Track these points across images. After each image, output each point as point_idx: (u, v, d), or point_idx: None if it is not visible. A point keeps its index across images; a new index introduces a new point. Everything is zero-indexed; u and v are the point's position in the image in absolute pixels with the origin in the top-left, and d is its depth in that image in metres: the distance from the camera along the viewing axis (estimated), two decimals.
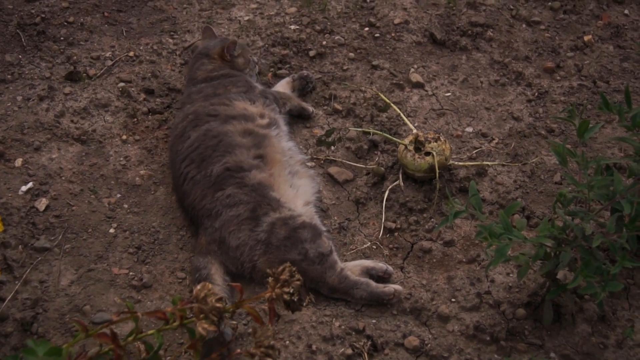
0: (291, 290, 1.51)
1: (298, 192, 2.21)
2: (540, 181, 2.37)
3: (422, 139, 2.31)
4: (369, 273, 2.08)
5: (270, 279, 1.54)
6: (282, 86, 2.67)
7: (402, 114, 2.51)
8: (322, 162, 2.42)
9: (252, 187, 2.11)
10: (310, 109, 2.60)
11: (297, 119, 2.62)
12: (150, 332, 1.61)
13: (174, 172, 2.28)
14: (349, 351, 1.88)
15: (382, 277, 2.09)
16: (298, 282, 1.54)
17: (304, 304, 1.92)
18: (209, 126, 2.26)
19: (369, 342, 1.92)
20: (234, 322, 1.88)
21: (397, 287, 2.03)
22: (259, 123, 2.31)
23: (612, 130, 2.45)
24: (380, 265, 2.09)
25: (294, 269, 1.57)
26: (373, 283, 2.03)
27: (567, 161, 1.87)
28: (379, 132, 2.46)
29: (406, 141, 2.33)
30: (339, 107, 2.60)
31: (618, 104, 1.89)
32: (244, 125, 2.27)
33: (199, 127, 2.27)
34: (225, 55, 2.55)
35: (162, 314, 1.55)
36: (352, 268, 2.08)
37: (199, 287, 1.53)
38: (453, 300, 2.04)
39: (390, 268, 2.10)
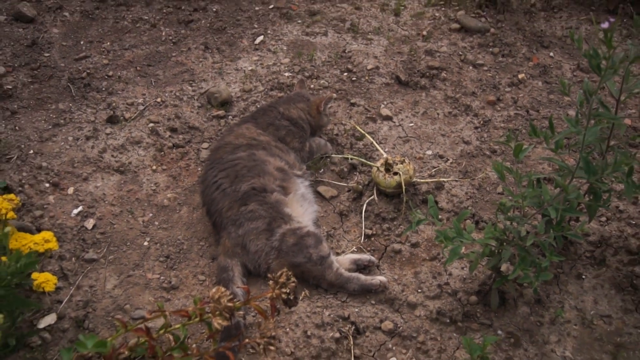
0: (288, 291, 1.51)
1: (305, 211, 2.17)
2: (486, 192, 2.34)
3: (391, 161, 2.28)
4: (356, 263, 2.06)
5: (270, 282, 1.54)
6: None
7: (374, 142, 2.48)
8: (312, 182, 2.36)
9: (271, 205, 2.06)
10: (332, 151, 2.48)
11: None
12: (177, 326, 1.61)
13: (208, 174, 2.19)
14: (337, 335, 1.86)
15: (367, 266, 2.06)
16: (293, 284, 1.54)
17: (300, 298, 1.94)
18: (257, 152, 2.19)
19: (353, 327, 1.89)
20: (241, 313, 1.84)
21: (382, 278, 2.01)
22: (293, 171, 2.25)
23: (542, 149, 2.43)
24: (364, 256, 2.08)
25: (290, 273, 1.57)
26: (362, 277, 2.01)
27: (505, 177, 1.86)
28: (356, 157, 2.42)
29: (378, 164, 2.29)
30: (324, 137, 2.54)
31: (544, 130, 1.88)
32: (281, 165, 2.20)
33: (250, 150, 2.20)
34: (320, 106, 2.42)
35: (186, 312, 1.55)
36: (343, 261, 2.06)
37: (214, 290, 1.52)
38: (419, 291, 2.01)
39: (372, 258, 2.08)
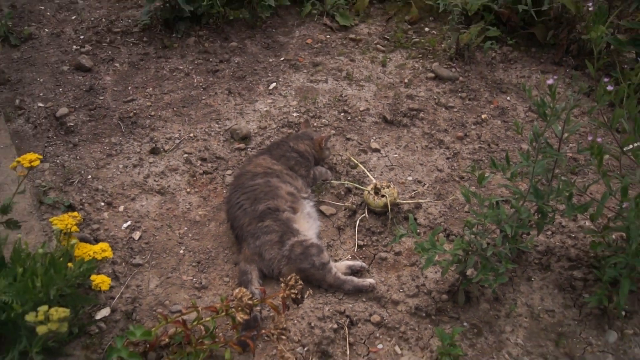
0: (296, 291, 1.58)
1: (310, 226, 2.18)
2: (455, 211, 2.35)
3: (379, 186, 2.30)
4: (351, 268, 2.08)
5: (282, 284, 1.61)
6: None
7: (366, 170, 2.50)
8: (316, 202, 2.38)
9: (282, 222, 2.08)
10: (332, 177, 2.50)
11: None
12: (207, 319, 1.67)
13: (232, 196, 2.20)
14: (335, 326, 1.88)
15: (359, 271, 2.08)
16: (300, 286, 1.61)
17: (305, 296, 1.99)
18: (272, 180, 2.22)
19: (348, 320, 1.91)
20: (258, 308, 1.89)
21: (371, 280, 2.04)
22: (301, 194, 2.27)
23: (501, 177, 2.45)
24: (357, 263, 2.10)
25: (297, 277, 1.63)
26: (355, 279, 2.02)
27: (470, 199, 1.92)
28: (351, 183, 2.45)
29: (369, 188, 2.31)
30: (325, 166, 2.55)
31: (502, 163, 1.94)
32: (291, 190, 2.23)
33: (265, 177, 2.22)
34: (322, 143, 2.45)
35: (214, 308, 1.62)
36: (340, 266, 2.07)
37: (236, 290, 1.59)
38: (401, 290, 2.03)
39: (364, 264, 2.10)
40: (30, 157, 1.89)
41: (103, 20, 3.64)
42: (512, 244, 1.85)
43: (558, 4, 3.17)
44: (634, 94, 1.97)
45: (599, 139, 1.81)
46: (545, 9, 3.13)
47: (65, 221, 1.85)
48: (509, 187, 1.91)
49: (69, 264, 1.71)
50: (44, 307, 1.48)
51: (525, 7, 3.14)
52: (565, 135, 1.85)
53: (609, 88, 1.75)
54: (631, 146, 1.88)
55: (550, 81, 1.71)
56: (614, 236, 2.09)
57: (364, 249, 2.21)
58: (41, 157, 1.92)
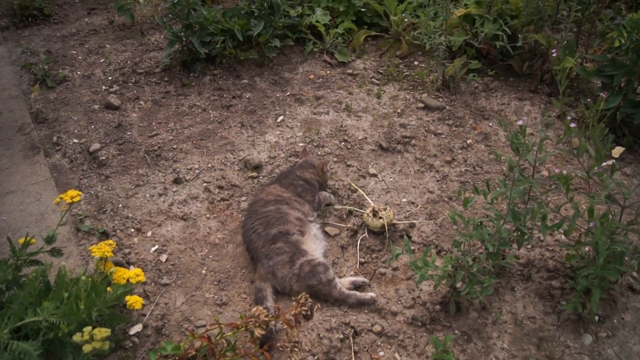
0: (306, 308, 1.65)
1: (317, 247, 2.23)
2: (445, 229, 2.40)
3: (377, 209, 2.36)
4: (354, 284, 2.12)
5: (294, 302, 1.68)
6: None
7: (364, 194, 2.56)
8: (321, 224, 2.43)
9: (292, 244, 2.14)
10: (335, 201, 2.56)
11: None
12: (229, 333, 1.75)
13: (247, 222, 2.26)
14: (341, 336, 1.94)
15: (361, 285, 2.13)
16: (310, 303, 1.68)
17: (315, 310, 2.05)
18: (282, 207, 2.28)
19: (352, 330, 1.96)
20: (273, 322, 1.91)
21: (372, 294, 2.09)
22: (307, 218, 2.33)
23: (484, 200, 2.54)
24: (359, 278, 2.15)
25: (307, 296, 1.70)
26: (358, 293, 2.07)
27: (457, 221, 2.00)
28: (352, 207, 2.51)
29: (368, 211, 2.37)
30: (328, 191, 2.60)
31: (483, 189, 2.01)
32: (299, 215, 2.29)
33: (276, 205, 2.29)
34: (324, 168, 2.53)
35: (235, 324, 1.69)
36: (344, 282, 2.12)
37: (254, 309, 1.67)
38: (399, 302, 2.08)
39: (365, 279, 2.15)
40: (72, 194, 1.98)
41: (128, 62, 3.74)
42: (494, 260, 1.92)
43: (532, 40, 3.25)
44: (597, 122, 2.05)
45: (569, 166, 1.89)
46: (520, 43, 3.21)
47: (102, 249, 1.94)
48: (490, 210, 1.97)
49: (108, 288, 1.78)
50: (89, 328, 1.56)
51: (502, 43, 3.22)
52: (538, 163, 1.93)
53: (572, 125, 1.83)
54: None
55: (520, 122, 1.78)
56: (586, 249, 2.16)
57: (365, 265, 2.26)
58: (81, 193, 2.01)
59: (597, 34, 3.16)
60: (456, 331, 2.00)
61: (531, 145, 1.77)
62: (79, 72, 3.67)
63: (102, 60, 3.80)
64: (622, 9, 3.66)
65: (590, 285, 1.94)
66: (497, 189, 1.94)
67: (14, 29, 4.36)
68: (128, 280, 1.86)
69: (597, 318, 2.04)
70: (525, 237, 1.99)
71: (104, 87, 3.49)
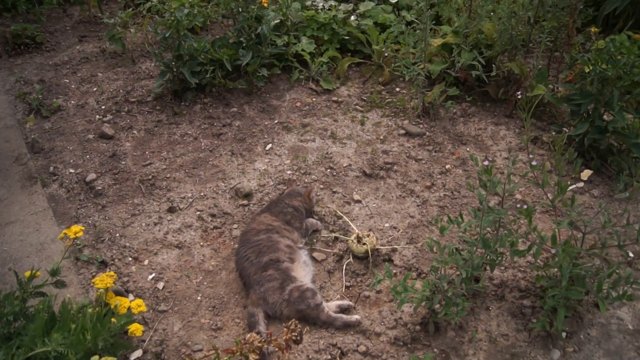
0: (296, 334, 1.81)
1: (306, 273, 2.37)
2: (425, 253, 2.55)
3: (361, 235, 2.51)
4: (340, 307, 2.26)
5: (285, 328, 1.85)
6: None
7: (349, 222, 2.71)
8: (309, 249, 2.57)
9: (282, 271, 2.28)
10: (321, 227, 2.69)
11: None
12: (225, 358, 1.89)
13: (240, 250, 2.40)
14: (329, 357, 2.07)
15: (347, 309, 2.27)
16: (299, 329, 1.84)
17: (304, 333, 2.20)
18: (273, 236, 2.42)
19: (339, 351, 2.10)
20: (265, 346, 2.04)
21: (357, 316, 2.23)
22: (297, 245, 2.47)
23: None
24: (345, 302, 2.29)
25: (297, 322, 1.86)
26: (344, 316, 2.21)
27: (433, 248, 2.18)
28: (337, 234, 2.66)
29: (352, 237, 2.53)
30: (315, 217, 2.75)
31: (457, 219, 2.19)
32: (289, 243, 2.43)
33: (267, 233, 2.43)
34: (310, 195, 2.68)
35: (231, 350, 1.84)
36: (331, 305, 2.26)
37: (249, 335, 1.82)
38: (382, 324, 2.22)
39: (351, 303, 2.29)
40: (75, 229, 2.13)
41: (120, 90, 3.89)
42: (468, 285, 2.10)
43: (505, 69, 3.47)
44: (561, 155, 2.24)
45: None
46: (494, 74, 3.43)
47: (104, 281, 2.09)
48: (464, 239, 2.15)
49: (112, 319, 1.93)
50: (96, 357, 1.71)
51: (478, 72, 3.44)
52: (507, 193, 2.12)
53: (534, 163, 2.02)
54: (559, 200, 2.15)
55: (486, 162, 1.97)
56: (554, 270, 2.35)
57: (350, 289, 2.41)
58: (83, 228, 2.16)
59: (566, 64, 3.39)
60: (435, 349, 2.15)
61: (506, 172, 1.95)
62: (72, 102, 3.81)
63: (94, 89, 3.95)
64: (591, 35, 3.90)
65: (557, 304, 2.12)
66: (470, 218, 2.12)
67: (7, 57, 4.50)
68: (130, 310, 2.01)
69: (564, 334, 2.22)
70: (497, 261, 2.17)
71: (97, 116, 3.63)
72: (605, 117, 3.12)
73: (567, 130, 2.46)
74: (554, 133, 3.29)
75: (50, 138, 3.45)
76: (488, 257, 2.19)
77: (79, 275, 2.51)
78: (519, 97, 2.39)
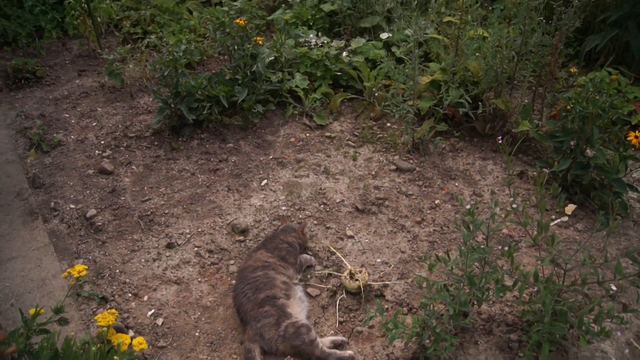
0: None
1: (301, 310, 2.45)
2: (416, 288, 2.63)
3: (353, 272, 2.60)
4: (334, 342, 2.34)
5: None
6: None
7: (342, 257, 2.80)
8: (304, 285, 2.66)
9: (279, 307, 2.36)
10: (315, 263, 2.79)
11: None
12: None
13: (237, 286, 2.47)
14: None
15: (341, 344, 2.35)
16: None
17: None
18: (269, 272, 2.51)
19: None
20: None
21: (351, 352, 2.31)
22: (292, 281, 2.56)
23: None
24: (339, 337, 2.38)
25: (292, 358, 1.94)
26: (338, 351, 2.28)
27: (422, 285, 2.28)
28: (331, 271, 2.75)
29: (345, 273, 2.62)
30: (309, 253, 2.84)
31: (444, 257, 2.30)
32: (285, 279, 2.52)
33: (264, 270, 2.51)
34: (303, 230, 2.80)
35: None
36: (325, 341, 2.34)
37: None
38: (374, 359, 2.30)
39: (344, 338, 2.38)
40: (79, 268, 2.22)
41: (119, 126, 4.02)
42: (455, 321, 2.20)
43: (491, 107, 3.63)
44: (542, 195, 2.37)
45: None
46: (481, 111, 3.58)
47: (106, 318, 2.17)
48: (451, 275, 2.26)
49: (115, 357, 2.01)
50: None
51: (465, 109, 3.59)
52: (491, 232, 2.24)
53: (514, 205, 2.15)
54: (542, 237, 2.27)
55: (468, 206, 2.09)
56: (539, 305, 2.46)
57: (343, 324, 2.50)
58: (87, 267, 2.25)
59: (549, 102, 3.55)
60: None
61: (490, 212, 2.07)
62: (72, 136, 3.93)
63: (94, 124, 4.07)
64: (574, 71, 4.09)
65: (541, 339, 2.23)
66: (457, 255, 2.23)
67: (7, 90, 4.63)
68: (131, 347, 2.09)
69: None
70: (483, 297, 2.28)
71: (97, 151, 3.74)
72: (587, 152, 3.27)
73: (546, 171, 2.59)
74: (539, 168, 3.43)
75: (51, 173, 3.55)
76: (474, 293, 2.29)
77: (79, 311, 2.59)
78: (500, 141, 2.52)
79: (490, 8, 4.41)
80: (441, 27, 4.23)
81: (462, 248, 2.21)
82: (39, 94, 4.55)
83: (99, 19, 5.36)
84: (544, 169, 2.68)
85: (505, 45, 3.63)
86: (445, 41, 3.93)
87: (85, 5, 5.00)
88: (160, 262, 2.85)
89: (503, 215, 2.99)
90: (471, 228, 2.06)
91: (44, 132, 3.95)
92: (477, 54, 3.69)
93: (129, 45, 5.04)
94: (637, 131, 3.27)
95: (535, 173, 3.43)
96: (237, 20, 3.98)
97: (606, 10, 4.43)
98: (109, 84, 4.61)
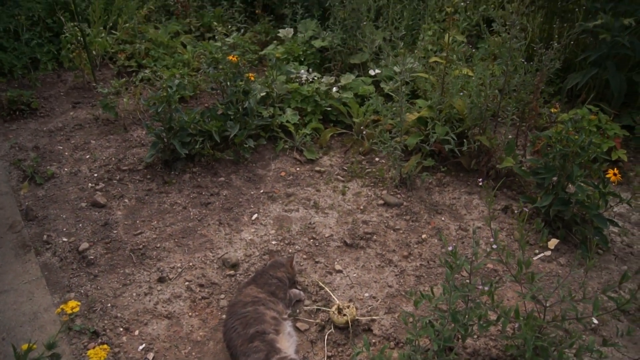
0: None
1: (290, 345, 2.49)
2: (402, 324, 2.66)
3: (341, 306, 2.66)
4: None
5: None
6: None
7: (330, 292, 2.87)
8: (293, 319, 2.71)
9: (268, 342, 2.41)
10: (304, 297, 2.85)
11: None
12: None
13: (227, 322, 2.52)
14: None
15: None
16: None
17: None
18: (259, 308, 2.57)
19: None
20: None
21: None
22: (282, 316, 2.61)
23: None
24: None
25: None
26: None
27: (407, 322, 2.35)
28: (319, 306, 2.81)
29: (333, 308, 2.68)
30: (299, 287, 2.89)
31: (428, 294, 2.38)
32: (274, 314, 2.57)
33: (254, 305, 2.57)
34: (292, 263, 2.85)
35: None
36: None
37: None
38: None
39: None
40: (72, 305, 2.27)
41: (113, 158, 4.10)
42: (440, 357, 2.27)
43: (476, 145, 3.76)
44: (525, 243, 2.47)
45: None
46: (466, 148, 3.71)
47: (98, 354, 2.22)
48: (436, 312, 2.34)
49: None
50: None
51: (451, 146, 3.72)
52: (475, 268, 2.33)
53: (494, 246, 2.25)
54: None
55: (450, 247, 2.19)
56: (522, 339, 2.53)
57: (332, 358, 2.55)
58: (79, 303, 2.31)
59: (531, 140, 3.69)
60: None
61: (461, 265, 2.16)
62: (66, 169, 4.00)
63: (87, 157, 4.15)
64: (554, 111, 4.25)
65: None
66: (441, 292, 2.32)
67: (2, 122, 4.71)
68: None
69: None
70: (467, 333, 2.36)
71: (90, 184, 3.81)
72: (569, 188, 3.40)
73: (526, 210, 2.70)
74: (522, 204, 3.55)
75: (44, 206, 3.61)
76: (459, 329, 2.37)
77: (71, 346, 2.62)
78: (480, 184, 2.63)
79: (474, 49, 4.59)
80: (427, 65, 4.40)
81: (446, 285, 2.30)
82: (33, 126, 4.63)
83: (94, 52, 5.49)
84: (525, 209, 2.79)
85: (489, 84, 3.79)
86: (431, 80, 4.09)
87: (82, 39, 5.13)
88: (151, 297, 2.89)
89: (487, 250, 3.09)
90: (453, 268, 2.15)
91: (37, 164, 4.02)
92: (462, 92, 3.84)
93: (124, 79, 5.16)
94: (615, 168, 3.42)
95: (519, 209, 3.55)
96: (230, 57, 4.12)
97: (586, 49, 4.63)
98: (102, 117, 4.71)
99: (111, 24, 5.89)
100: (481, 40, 4.93)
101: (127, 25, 5.81)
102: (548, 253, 3.25)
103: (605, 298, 2.89)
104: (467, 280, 2.36)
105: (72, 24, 5.16)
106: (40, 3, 5.75)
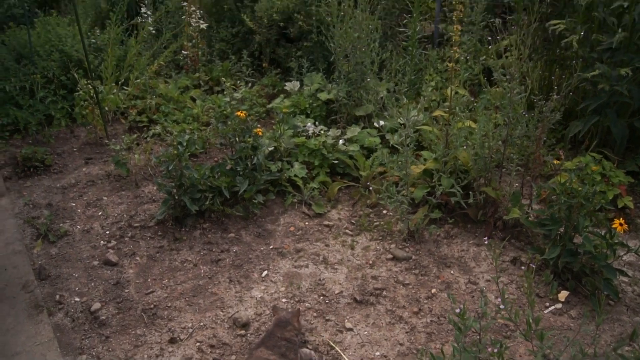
0: None
1: None
2: None
3: None
4: None
5: None
6: None
7: (341, 352, 2.87)
8: None
9: None
10: (315, 358, 2.82)
11: None
12: None
13: None
14: None
15: None
16: None
17: None
18: None
19: None
20: None
21: None
22: None
23: None
24: None
25: None
26: None
27: None
28: None
29: None
30: (309, 347, 2.89)
31: (437, 355, 2.40)
32: None
33: None
34: (298, 319, 2.86)
35: None
36: None
37: None
38: None
39: None
40: None
41: (124, 215, 4.18)
42: None
43: (481, 197, 3.82)
44: (533, 300, 2.49)
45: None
46: (472, 200, 3.77)
47: None
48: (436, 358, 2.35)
49: None
50: None
51: (457, 198, 3.78)
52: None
53: (501, 307, 2.28)
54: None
55: (457, 310, 2.22)
56: None
57: None
58: None
59: (535, 192, 3.75)
60: None
61: (470, 325, 2.19)
62: (78, 227, 4.08)
63: (99, 213, 4.23)
64: (557, 162, 4.31)
65: None
66: (450, 354, 2.33)
67: (16, 178, 4.83)
68: None
69: None
70: None
71: (102, 242, 3.89)
72: (577, 238, 3.42)
73: (533, 267, 2.73)
74: (530, 256, 3.57)
75: (57, 264, 3.68)
76: None
77: None
78: (485, 242, 2.68)
79: (475, 101, 4.70)
80: (431, 117, 4.50)
81: (455, 345, 2.31)
82: (47, 182, 4.75)
83: (106, 108, 5.67)
84: (532, 265, 2.82)
85: (492, 135, 3.87)
86: (435, 132, 4.18)
87: (95, 97, 5.31)
88: (162, 358, 2.91)
89: (497, 304, 3.10)
90: (462, 329, 2.17)
91: (51, 222, 4.10)
92: (465, 145, 3.92)
93: (135, 134, 5.31)
94: (622, 216, 3.46)
95: (527, 260, 3.57)
96: (238, 113, 4.25)
97: (586, 97, 4.73)
98: (114, 173, 4.82)
99: (123, 80, 6.10)
100: (482, 92, 5.05)
101: (138, 80, 6.02)
102: (559, 306, 3.25)
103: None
104: (478, 337, 2.37)
105: (85, 81, 5.35)
106: (55, 61, 5.97)
